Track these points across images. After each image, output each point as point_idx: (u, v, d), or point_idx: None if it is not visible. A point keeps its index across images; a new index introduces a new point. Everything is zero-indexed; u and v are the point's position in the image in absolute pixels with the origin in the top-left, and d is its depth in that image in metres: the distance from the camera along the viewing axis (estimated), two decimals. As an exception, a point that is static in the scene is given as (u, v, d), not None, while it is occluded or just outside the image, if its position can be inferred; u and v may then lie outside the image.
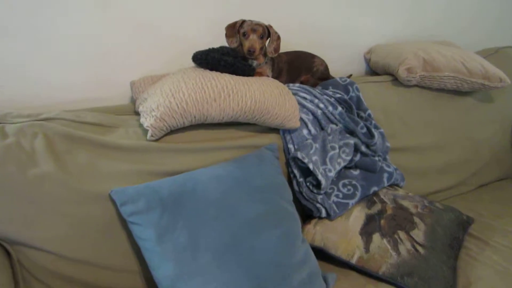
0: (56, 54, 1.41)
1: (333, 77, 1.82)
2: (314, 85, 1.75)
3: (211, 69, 1.38)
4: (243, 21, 1.48)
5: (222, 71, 1.38)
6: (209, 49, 1.44)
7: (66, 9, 1.37)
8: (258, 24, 1.45)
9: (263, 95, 1.34)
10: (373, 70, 2.14)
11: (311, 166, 1.37)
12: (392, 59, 1.87)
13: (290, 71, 1.69)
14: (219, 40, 1.56)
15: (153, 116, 1.22)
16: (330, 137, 1.49)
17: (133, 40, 1.49)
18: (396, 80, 1.88)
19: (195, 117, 1.26)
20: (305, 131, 1.49)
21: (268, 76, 1.56)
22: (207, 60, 1.36)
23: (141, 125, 1.29)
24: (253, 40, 1.43)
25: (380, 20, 2.12)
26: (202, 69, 1.39)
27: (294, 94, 1.55)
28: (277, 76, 1.64)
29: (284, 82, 1.67)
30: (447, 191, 1.90)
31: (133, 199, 1.10)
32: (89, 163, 1.15)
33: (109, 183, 1.15)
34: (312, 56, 1.76)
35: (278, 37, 1.52)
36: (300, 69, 1.72)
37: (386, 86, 1.85)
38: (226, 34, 1.51)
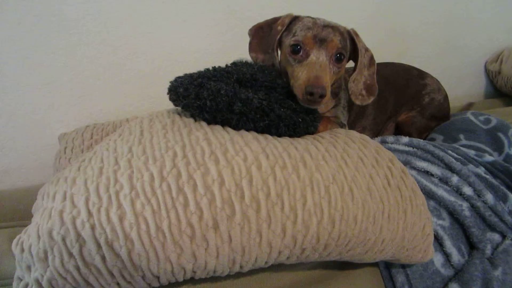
0: None
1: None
2: (424, 131, 0.88)
3: (213, 122, 0.55)
4: (295, 18, 0.65)
5: (238, 127, 0.54)
6: (206, 70, 0.61)
7: None
8: (332, 27, 0.62)
9: (350, 196, 0.49)
10: (502, 91, 1.25)
11: None
12: None
13: (381, 105, 0.83)
14: (230, 48, 0.74)
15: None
16: (498, 272, 0.62)
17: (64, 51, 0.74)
18: None
19: (159, 276, 0.43)
20: (438, 260, 0.63)
21: (343, 124, 0.71)
22: (198, 97, 0.54)
23: None
24: (318, 67, 0.59)
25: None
26: (191, 120, 0.56)
27: (405, 163, 0.69)
28: (356, 117, 0.79)
29: (370, 128, 0.82)
30: None
31: None
32: None
33: None
34: (421, 75, 0.90)
35: (371, 59, 0.67)
36: (400, 100, 0.86)
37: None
38: (250, 45, 0.68)
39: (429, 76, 0.90)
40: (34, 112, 0.84)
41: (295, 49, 0.61)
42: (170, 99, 0.60)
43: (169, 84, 0.60)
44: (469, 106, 1.11)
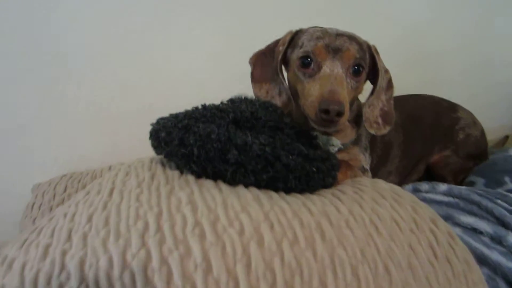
0: None
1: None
2: (460, 173, 0.75)
3: (203, 174, 0.43)
4: (297, 32, 0.56)
5: (235, 181, 0.42)
6: (195, 109, 0.50)
7: None
8: (347, 36, 0.52)
9: (387, 280, 0.35)
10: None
11: None
12: None
13: (408, 145, 0.71)
14: (232, 79, 0.64)
15: None
16: None
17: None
18: None
19: None
20: None
21: (365, 169, 0.59)
22: (183, 144, 0.42)
23: None
24: (334, 80, 0.48)
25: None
26: (176, 174, 0.44)
27: (446, 218, 0.55)
28: (379, 160, 0.66)
29: (396, 171, 0.69)
30: None
31: None
32: None
33: None
34: (452, 108, 0.78)
35: (390, 82, 0.57)
36: (430, 138, 0.74)
37: None
38: (252, 76, 0.58)
39: (461, 109, 0.78)
40: (6, 157, 0.73)
41: (305, 61, 0.51)
42: (152, 145, 0.48)
43: (151, 126, 0.49)
44: (506, 139, 0.97)
